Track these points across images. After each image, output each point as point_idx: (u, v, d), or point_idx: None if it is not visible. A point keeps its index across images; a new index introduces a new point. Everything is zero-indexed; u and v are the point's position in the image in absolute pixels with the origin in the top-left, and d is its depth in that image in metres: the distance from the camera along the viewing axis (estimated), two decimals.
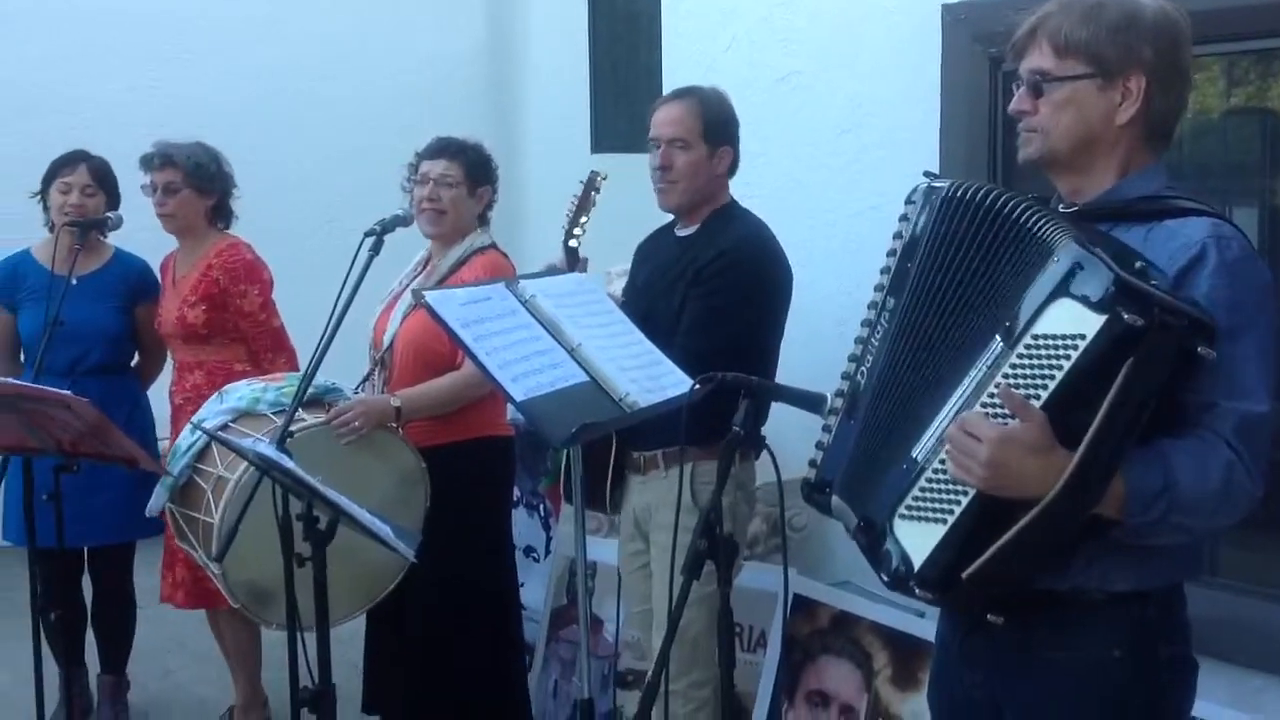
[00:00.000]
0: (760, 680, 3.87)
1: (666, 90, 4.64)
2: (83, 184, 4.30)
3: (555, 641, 4.49)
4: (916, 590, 2.06)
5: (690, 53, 4.73)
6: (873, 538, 2.14)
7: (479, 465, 3.86)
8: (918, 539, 2.05)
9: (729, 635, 2.35)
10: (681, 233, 3.47)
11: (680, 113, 3.41)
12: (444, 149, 3.90)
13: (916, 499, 2.07)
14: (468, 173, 3.87)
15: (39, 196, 4.40)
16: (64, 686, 4.19)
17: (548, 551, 4.77)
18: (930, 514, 2.04)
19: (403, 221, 3.70)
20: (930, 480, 2.05)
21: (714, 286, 3.27)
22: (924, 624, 3.50)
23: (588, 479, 3.41)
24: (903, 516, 2.08)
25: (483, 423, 3.86)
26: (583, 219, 3.62)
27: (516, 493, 4.37)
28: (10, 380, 3.79)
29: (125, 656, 4.55)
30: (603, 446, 3.39)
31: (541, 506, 4.85)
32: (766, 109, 4.47)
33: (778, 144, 4.43)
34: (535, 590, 4.56)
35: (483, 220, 3.97)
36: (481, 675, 3.89)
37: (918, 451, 2.08)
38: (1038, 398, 1.91)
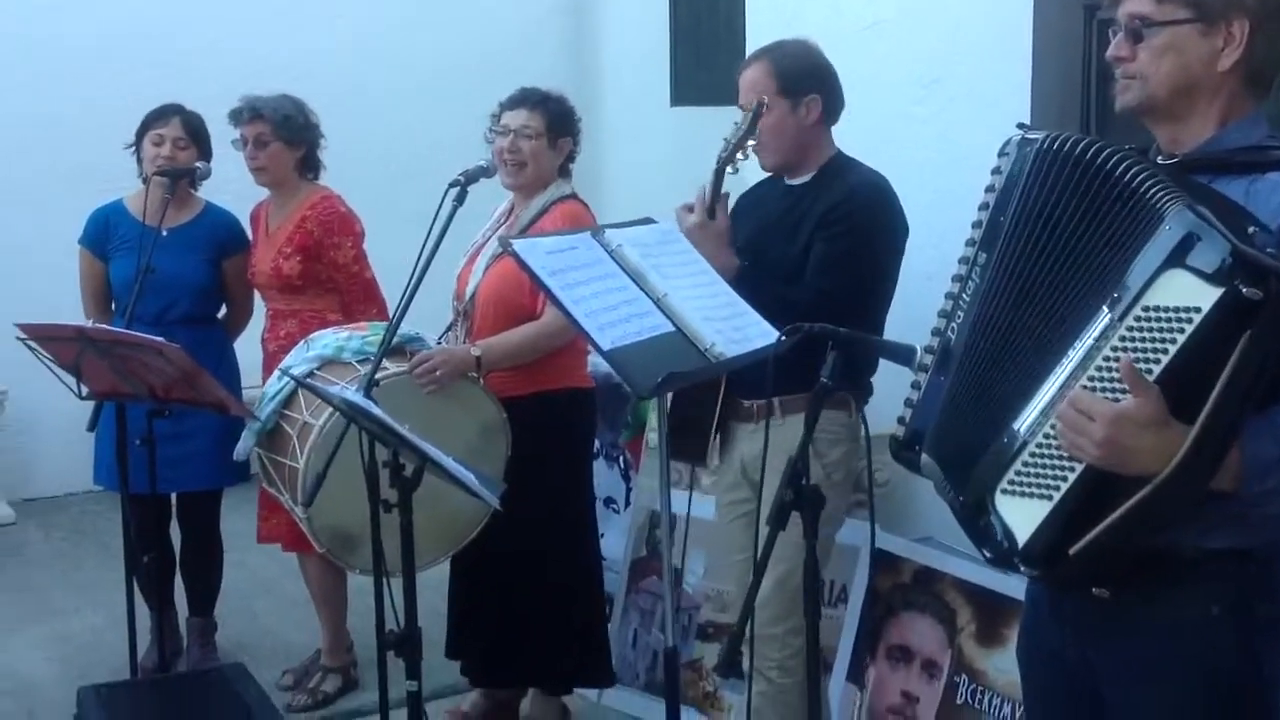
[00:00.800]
0: (841, 635, 3.86)
1: (748, 42, 4.62)
2: (175, 136, 4.35)
3: (635, 592, 4.51)
4: (1021, 567, 2.03)
5: (773, 2, 4.67)
6: (973, 512, 2.11)
7: (560, 416, 3.87)
8: (1021, 515, 2.01)
9: (815, 588, 2.35)
10: (793, 182, 3.44)
11: (754, 76, 3.38)
12: (525, 100, 3.89)
13: (1020, 474, 2.02)
14: (549, 124, 3.86)
15: (133, 148, 4.45)
16: (155, 629, 4.28)
17: (627, 503, 4.78)
18: (1035, 489, 2.00)
19: (485, 173, 3.72)
20: (1034, 455, 2.00)
21: (843, 229, 3.25)
22: (1009, 581, 3.46)
23: (687, 433, 3.43)
24: (1005, 491, 2.04)
25: (563, 373, 3.87)
26: (750, 142, 3.37)
27: (596, 444, 4.38)
28: (106, 326, 3.87)
29: (213, 599, 4.64)
30: (708, 398, 3.38)
31: (621, 458, 4.86)
32: (851, 59, 4.38)
33: (862, 95, 4.34)
34: (615, 541, 4.58)
35: (564, 171, 3.96)
36: (562, 625, 3.92)
37: (1020, 424, 2.03)
38: (1150, 372, 1.85)
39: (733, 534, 3.54)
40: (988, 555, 2.09)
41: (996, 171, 2.30)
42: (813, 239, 3.28)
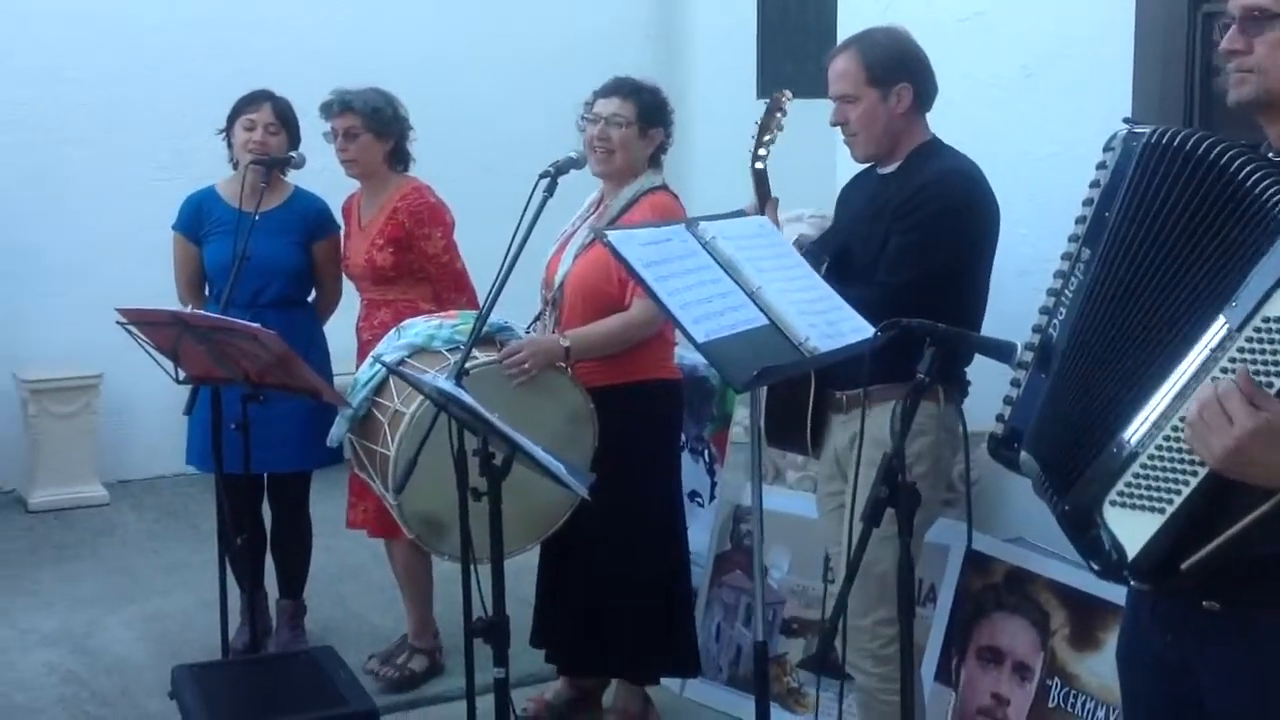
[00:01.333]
0: (930, 634, 3.81)
1: (840, 34, 4.57)
2: (266, 122, 4.40)
3: (718, 586, 4.50)
4: (1131, 581, 2.00)
5: None
6: (1079, 523, 2.06)
7: (647, 406, 3.87)
8: (1131, 528, 1.96)
9: (909, 585, 2.32)
10: (883, 171, 3.40)
11: (842, 66, 3.34)
12: (618, 88, 3.89)
13: (1130, 485, 1.97)
14: (640, 113, 3.85)
15: (223, 134, 4.51)
16: (247, 609, 4.35)
17: (712, 497, 4.77)
18: (1145, 503, 1.95)
19: (575, 163, 3.72)
20: (1146, 467, 1.95)
21: (914, 221, 3.20)
22: (1106, 584, 3.40)
23: (787, 422, 3.41)
24: (1113, 503, 2.00)
25: (651, 364, 3.87)
26: (766, 138, 3.51)
27: (682, 437, 4.37)
28: (204, 312, 3.93)
29: (302, 582, 4.69)
30: (801, 388, 3.35)
31: (706, 452, 4.85)
32: (947, 51, 4.33)
33: (958, 87, 4.29)
34: (699, 535, 4.56)
35: (655, 162, 3.94)
36: (648, 616, 3.92)
37: (1130, 434, 1.98)
38: (1270, 385, 1.80)
39: (831, 525, 3.50)
40: (1095, 568, 2.05)
41: (1102, 166, 2.25)
42: (889, 229, 3.24)
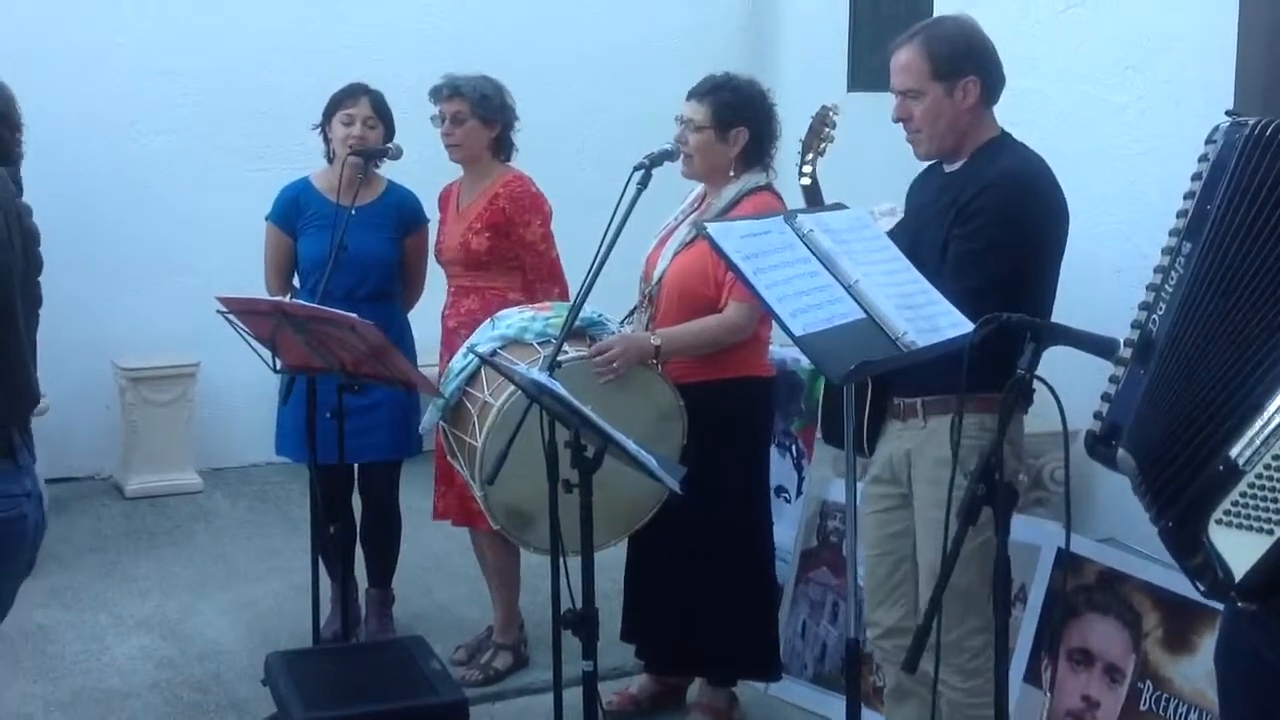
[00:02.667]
0: (1019, 635, 3.77)
1: None
2: (364, 116, 4.45)
3: (804, 583, 4.48)
4: (1239, 602, 1.97)
5: None
6: (1184, 541, 2.03)
7: (738, 404, 3.85)
8: (1239, 548, 1.93)
9: (1005, 585, 2.30)
10: (949, 168, 3.27)
11: (906, 59, 3.19)
12: (696, 90, 3.84)
13: (1237, 504, 1.94)
14: (713, 115, 3.78)
15: (319, 128, 4.57)
16: (339, 598, 4.40)
17: (799, 492, 4.75)
18: (1254, 522, 1.92)
19: (670, 156, 3.72)
20: (1254, 486, 1.92)
21: (978, 224, 3.08)
22: None
23: (841, 419, 3.36)
24: (1219, 522, 1.96)
25: (744, 362, 3.85)
26: (809, 155, 3.47)
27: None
28: (302, 302, 3.99)
29: (391, 572, 4.74)
30: (861, 389, 3.27)
31: (794, 447, 4.83)
32: (1043, 43, 4.31)
33: (1054, 80, 4.27)
34: (785, 530, 4.55)
35: (757, 160, 3.86)
36: (734, 613, 3.91)
37: (1236, 452, 1.94)
38: None
39: (869, 525, 3.42)
40: (1201, 587, 2.02)
41: (1203, 159, 2.22)
42: (950, 232, 3.13)
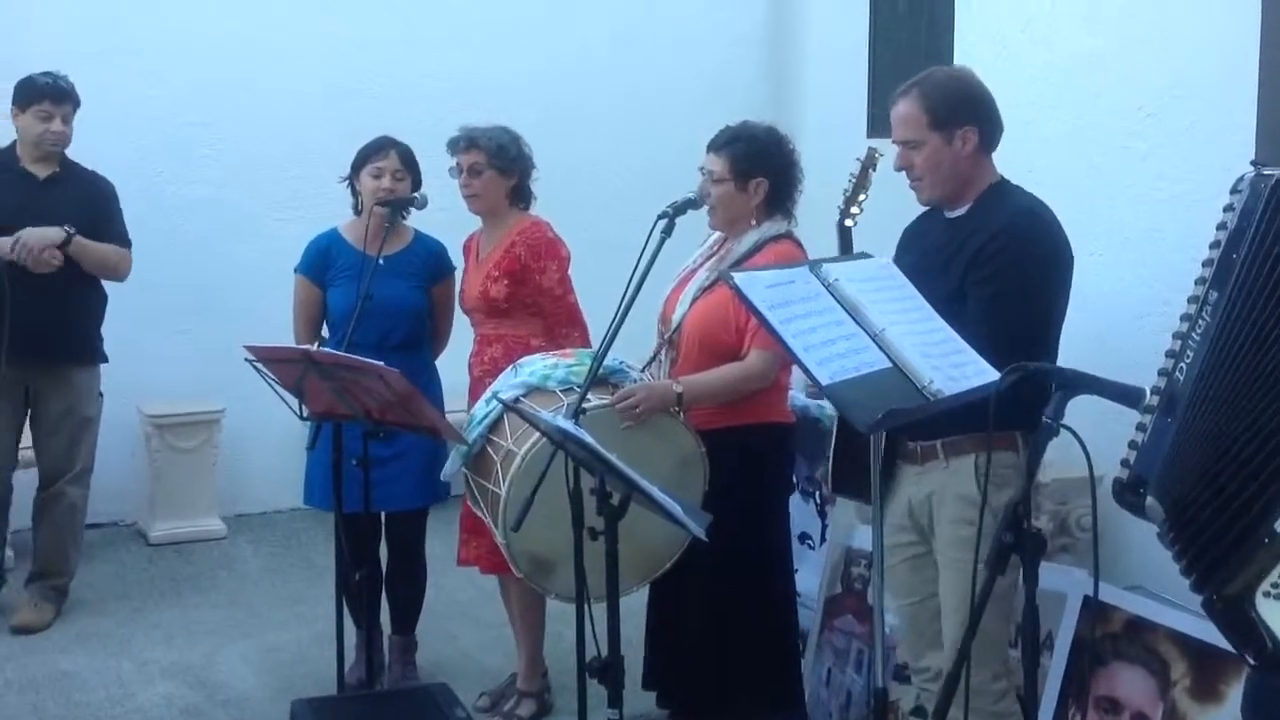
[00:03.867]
0: (1046, 683, 3.75)
1: None
2: (393, 169, 4.49)
3: (829, 630, 4.46)
4: None
5: (985, 33, 4.61)
6: (1232, 617, 2.03)
7: (759, 450, 3.86)
8: None
9: (1034, 633, 2.29)
10: (951, 214, 3.32)
11: (904, 110, 3.28)
12: (714, 142, 3.88)
13: None
14: (732, 166, 3.82)
15: (346, 181, 4.62)
16: (363, 645, 4.40)
17: (823, 539, 4.74)
18: None
19: (693, 204, 3.76)
20: None
21: (994, 269, 3.12)
22: None
23: (855, 468, 3.35)
24: (1267, 594, 1.96)
25: (765, 408, 3.86)
26: (860, 198, 3.51)
27: (794, 479, 4.36)
28: (330, 350, 4.02)
29: (415, 619, 4.74)
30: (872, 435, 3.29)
31: (817, 493, 4.83)
32: (1064, 90, 4.32)
33: (1075, 127, 4.28)
34: (809, 577, 4.54)
35: (776, 208, 3.89)
36: (756, 659, 3.90)
37: None
38: None
39: (899, 576, 3.44)
40: (1252, 660, 2.01)
41: (1229, 208, 2.23)
42: (965, 279, 3.17)
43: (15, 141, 5.22)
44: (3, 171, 5.16)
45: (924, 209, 3.43)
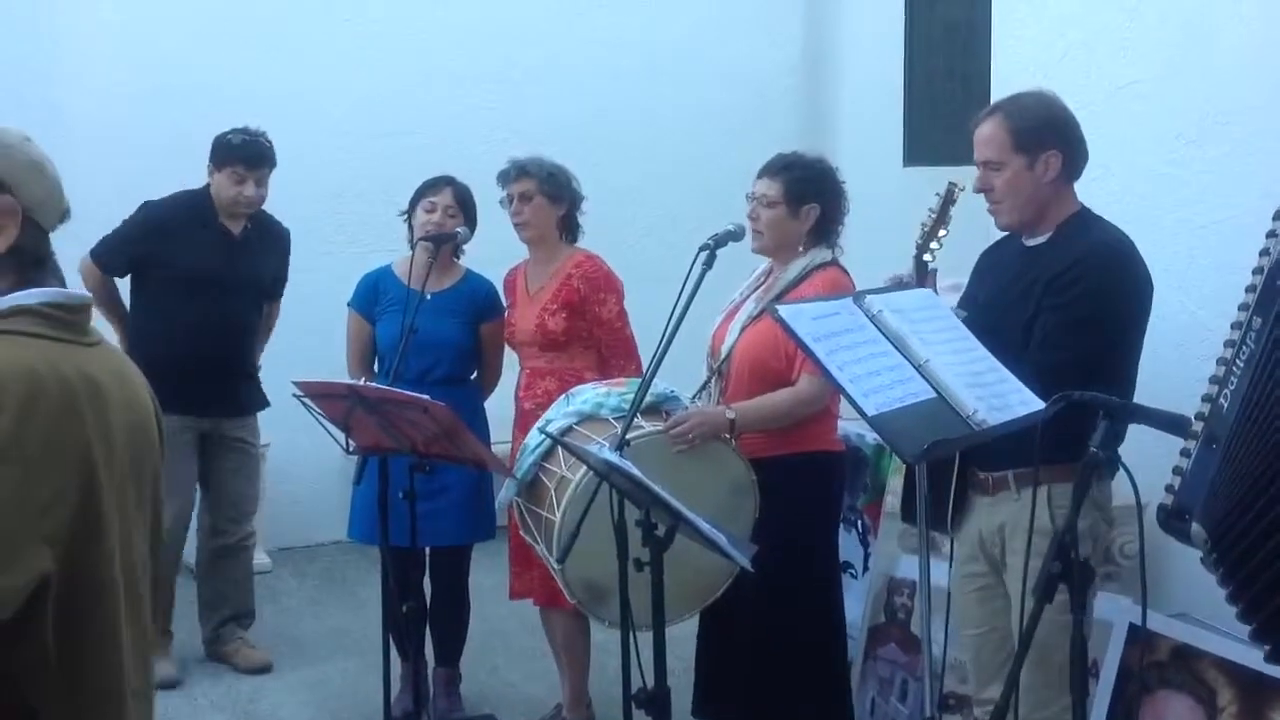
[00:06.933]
0: (1092, 711, 3.73)
1: (992, 102, 4.58)
2: (446, 205, 4.55)
3: (872, 659, 4.46)
4: None
5: (1022, 62, 4.62)
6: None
7: (810, 478, 3.88)
8: None
9: (1082, 662, 2.29)
10: (1030, 243, 3.30)
11: (988, 132, 3.26)
12: (769, 167, 3.93)
13: None
14: (785, 192, 3.86)
15: (405, 216, 4.68)
16: (410, 676, 4.42)
17: (865, 568, 4.75)
18: None
19: (734, 236, 3.78)
20: None
21: (1070, 297, 3.10)
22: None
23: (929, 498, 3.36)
24: None
25: (815, 437, 3.89)
26: (941, 233, 3.44)
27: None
28: (376, 385, 4.07)
29: (459, 651, 4.77)
30: (943, 466, 3.28)
31: (859, 522, 4.84)
32: (1103, 119, 4.32)
33: (1115, 155, 4.28)
34: (852, 606, 4.52)
35: (824, 237, 3.93)
36: (808, 687, 3.90)
37: None
38: None
39: (968, 606, 3.44)
40: None
41: (1272, 235, 2.25)
42: (1040, 306, 3.14)
43: (209, 185, 5.01)
44: (202, 228, 4.97)
45: (995, 241, 3.41)
